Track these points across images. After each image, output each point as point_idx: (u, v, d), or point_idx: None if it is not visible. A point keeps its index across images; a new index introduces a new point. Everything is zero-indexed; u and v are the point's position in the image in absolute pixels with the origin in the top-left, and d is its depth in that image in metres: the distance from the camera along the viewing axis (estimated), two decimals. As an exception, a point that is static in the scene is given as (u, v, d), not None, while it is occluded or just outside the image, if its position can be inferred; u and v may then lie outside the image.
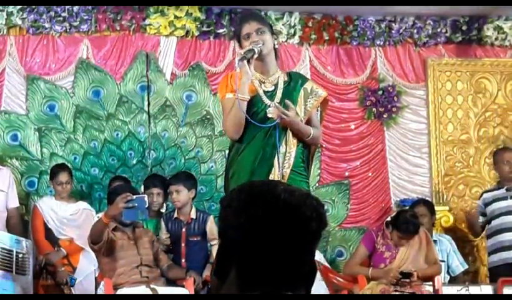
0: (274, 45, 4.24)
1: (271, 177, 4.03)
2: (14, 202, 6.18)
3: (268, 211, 1.58)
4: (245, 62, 4.01)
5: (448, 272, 6.61)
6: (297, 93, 4.24)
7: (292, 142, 4.14)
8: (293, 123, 4.09)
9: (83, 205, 6.46)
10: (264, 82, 4.21)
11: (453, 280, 6.52)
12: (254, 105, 4.12)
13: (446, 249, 6.63)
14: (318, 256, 4.44)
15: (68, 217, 6.34)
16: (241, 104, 4.03)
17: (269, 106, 4.15)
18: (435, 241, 6.44)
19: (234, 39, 4.56)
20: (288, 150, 4.12)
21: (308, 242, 1.62)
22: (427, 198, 7.14)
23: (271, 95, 4.19)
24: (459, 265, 6.59)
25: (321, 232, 1.64)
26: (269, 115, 4.13)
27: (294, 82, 4.29)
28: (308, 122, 4.23)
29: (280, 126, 4.09)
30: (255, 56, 4.07)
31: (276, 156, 4.09)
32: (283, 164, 4.09)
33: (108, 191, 5.95)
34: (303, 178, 4.18)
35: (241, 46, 4.23)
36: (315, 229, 1.62)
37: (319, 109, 4.41)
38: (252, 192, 1.63)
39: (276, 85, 4.22)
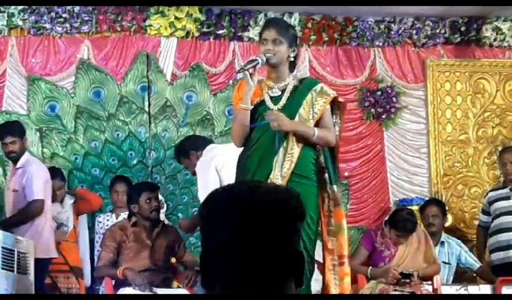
0: (290, 55, 4.23)
1: (269, 178, 4.07)
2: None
3: (234, 215, 1.54)
4: (247, 72, 4.07)
5: (464, 270, 6.64)
6: (303, 96, 4.24)
7: (294, 144, 4.15)
8: (283, 126, 4.08)
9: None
10: (272, 88, 4.26)
11: (473, 277, 6.60)
12: (257, 110, 4.19)
13: (456, 251, 6.60)
14: (318, 255, 4.44)
15: (65, 221, 6.35)
16: (243, 113, 4.12)
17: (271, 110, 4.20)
18: (443, 243, 6.47)
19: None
20: (289, 151, 4.13)
21: (284, 237, 1.56)
22: (426, 198, 7.16)
23: (276, 99, 4.24)
24: (474, 263, 6.61)
25: (298, 223, 1.59)
26: (266, 118, 4.17)
27: (303, 86, 4.29)
28: (319, 123, 4.23)
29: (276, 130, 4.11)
30: (258, 66, 4.11)
31: (274, 158, 4.12)
32: (282, 165, 4.12)
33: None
34: (311, 181, 4.18)
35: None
36: (287, 223, 1.56)
37: (338, 113, 4.41)
38: (216, 199, 1.58)
39: (283, 91, 4.26)
